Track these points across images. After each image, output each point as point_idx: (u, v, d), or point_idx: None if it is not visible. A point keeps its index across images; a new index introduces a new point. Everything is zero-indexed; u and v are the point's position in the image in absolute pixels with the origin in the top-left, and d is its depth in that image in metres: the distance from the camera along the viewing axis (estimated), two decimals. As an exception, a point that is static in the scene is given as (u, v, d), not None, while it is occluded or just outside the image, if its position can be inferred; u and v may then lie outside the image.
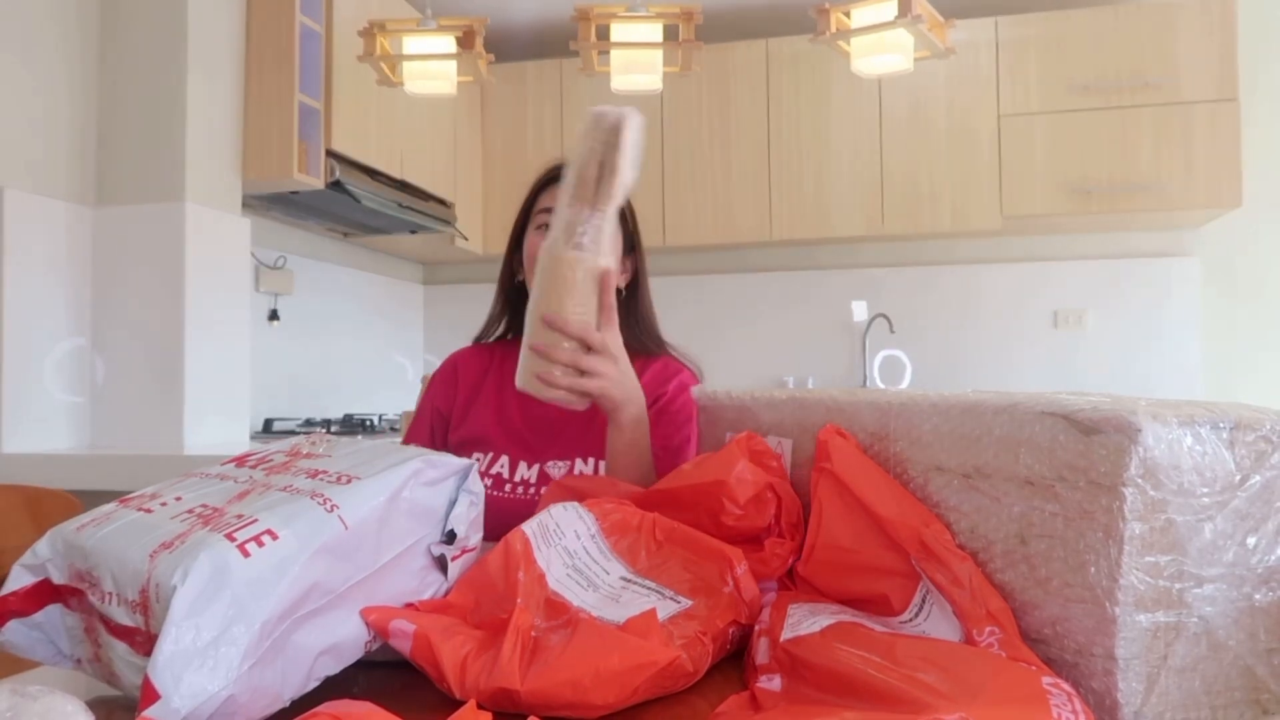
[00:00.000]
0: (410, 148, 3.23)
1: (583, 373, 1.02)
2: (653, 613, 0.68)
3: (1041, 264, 3.72)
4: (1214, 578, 0.59)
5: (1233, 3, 3.23)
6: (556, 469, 1.30)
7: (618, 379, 1.06)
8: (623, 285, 1.38)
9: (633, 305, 1.39)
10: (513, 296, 1.43)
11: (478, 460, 1.30)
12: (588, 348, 1.02)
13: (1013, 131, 3.40)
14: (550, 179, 1.40)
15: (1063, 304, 3.70)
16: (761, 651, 0.68)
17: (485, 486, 1.27)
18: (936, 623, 0.66)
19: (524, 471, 1.30)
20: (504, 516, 0.89)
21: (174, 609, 0.57)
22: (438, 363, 1.48)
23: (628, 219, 1.37)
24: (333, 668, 0.66)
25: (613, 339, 1.04)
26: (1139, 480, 0.57)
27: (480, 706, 0.59)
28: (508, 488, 1.28)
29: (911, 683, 0.54)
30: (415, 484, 0.71)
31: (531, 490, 1.26)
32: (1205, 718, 0.59)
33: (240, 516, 0.64)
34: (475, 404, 1.38)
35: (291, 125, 2.54)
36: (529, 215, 1.39)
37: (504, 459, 1.31)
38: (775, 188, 3.59)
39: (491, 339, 1.46)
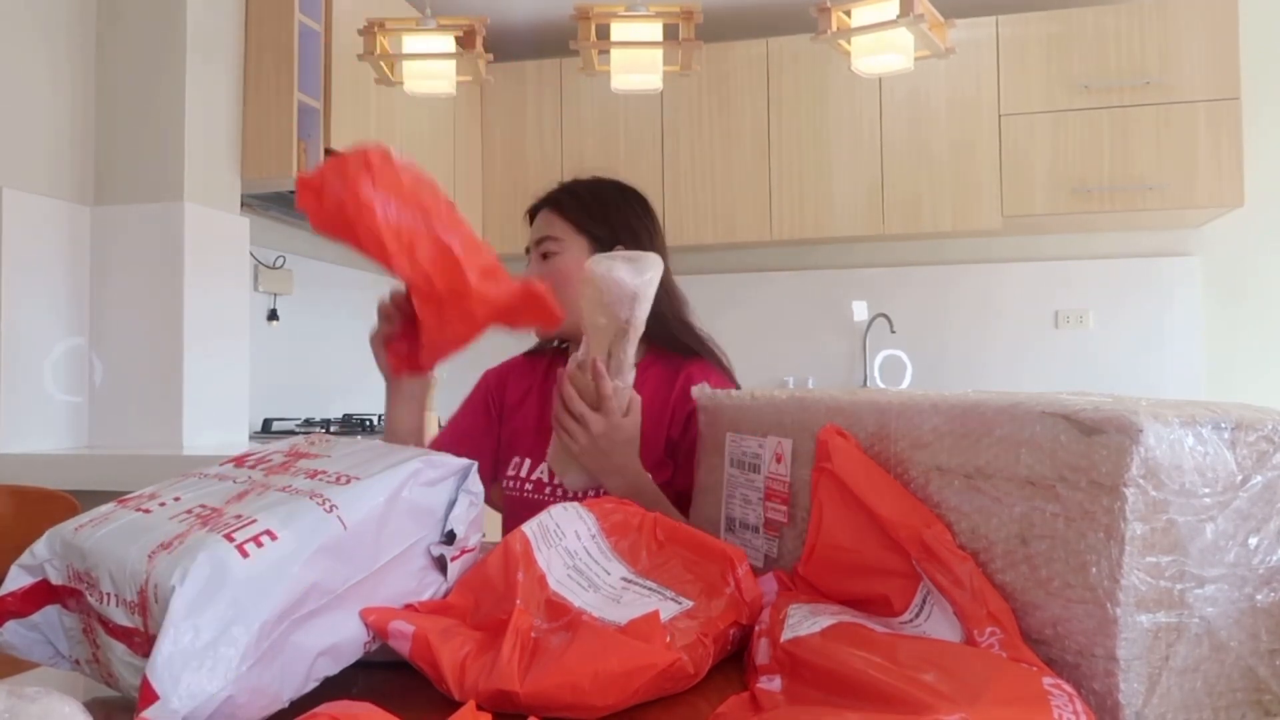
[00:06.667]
0: (410, 147, 3.23)
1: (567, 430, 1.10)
2: (655, 615, 0.68)
3: (1042, 264, 3.72)
4: (1215, 578, 0.59)
5: (1234, 1, 3.23)
6: None
7: (590, 450, 1.11)
8: None
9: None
10: None
11: (516, 465, 1.36)
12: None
13: (1013, 131, 3.39)
14: (537, 206, 1.42)
15: (1064, 304, 3.69)
16: (762, 652, 0.67)
17: (526, 491, 1.33)
18: (937, 623, 0.66)
19: None
20: None
21: (173, 609, 0.57)
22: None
23: (593, 226, 1.37)
24: (332, 668, 0.66)
25: (595, 419, 1.09)
26: (1140, 480, 0.57)
27: (480, 707, 0.58)
28: (547, 490, 1.32)
29: (912, 683, 0.54)
30: (414, 484, 0.71)
31: (571, 493, 1.28)
32: (1207, 719, 0.59)
33: (239, 517, 0.64)
34: (520, 411, 1.43)
35: (291, 124, 2.53)
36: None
37: (543, 465, 1.34)
38: (775, 188, 3.59)
39: (535, 351, 1.50)
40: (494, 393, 1.47)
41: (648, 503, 1.14)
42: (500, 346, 1.25)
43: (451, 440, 1.43)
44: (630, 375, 1.12)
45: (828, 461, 0.76)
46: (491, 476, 1.40)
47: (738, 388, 1.37)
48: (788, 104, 3.58)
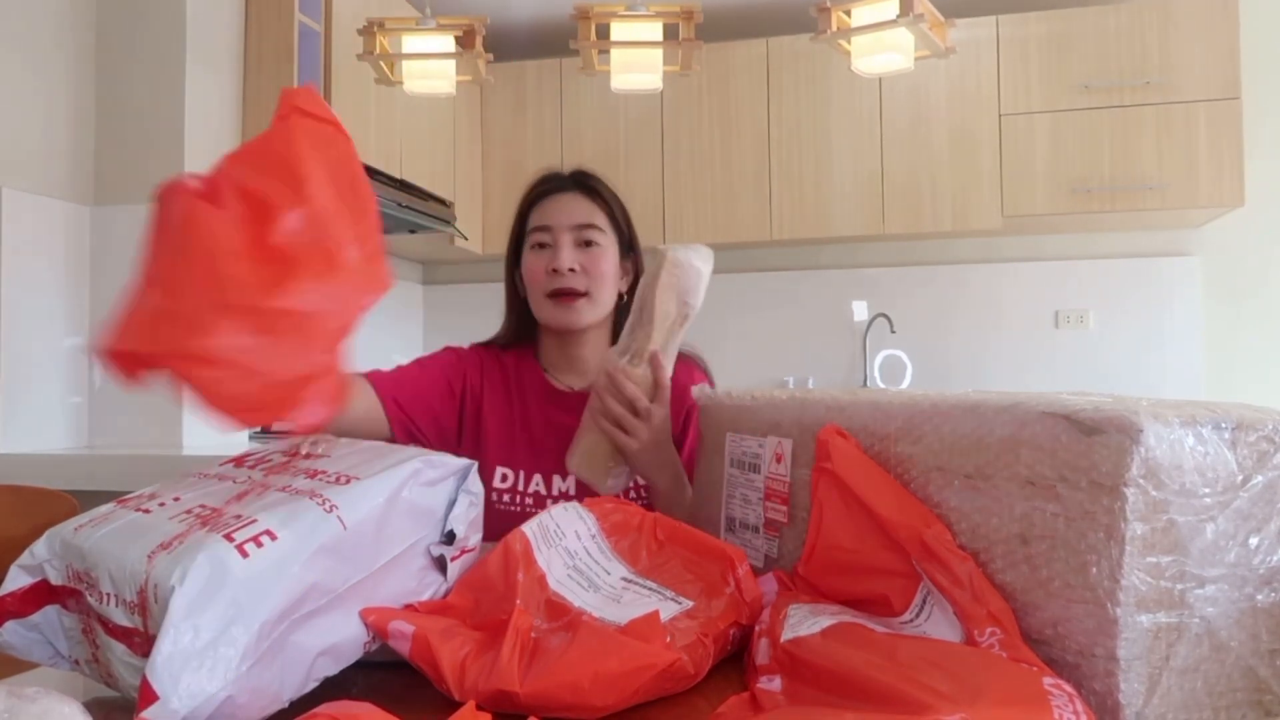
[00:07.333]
0: (409, 147, 3.23)
1: (625, 430, 1.11)
2: (655, 615, 0.67)
3: (1043, 264, 3.72)
4: (1216, 578, 0.59)
5: (1234, 1, 3.23)
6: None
7: (649, 446, 1.11)
8: (624, 288, 1.38)
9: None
10: (521, 311, 1.39)
11: (506, 478, 1.31)
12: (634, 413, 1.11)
13: (1013, 131, 3.39)
14: (539, 194, 1.37)
15: (1064, 304, 3.69)
16: (762, 652, 0.67)
17: (528, 507, 1.28)
18: (937, 623, 0.66)
19: (560, 484, 1.30)
20: None
21: (172, 610, 0.57)
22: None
23: (623, 223, 1.36)
24: (332, 668, 0.66)
25: (658, 411, 1.11)
26: (1141, 480, 0.57)
27: (480, 707, 0.58)
28: (549, 502, 1.25)
29: (912, 684, 0.54)
30: (414, 484, 0.71)
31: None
32: (1207, 719, 0.59)
33: (239, 517, 0.64)
34: (496, 413, 1.34)
35: (291, 125, 2.53)
36: (523, 232, 1.37)
37: (537, 477, 1.30)
38: (775, 188, 3.59)
39: (491, 344, 1.43)
40: (467, 376, 1.36)
41: (686, 495, 1.15)
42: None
43: (404, 395, 1.28)
44: (671, 367, 1.12)
45: (828, 461, 0.76)
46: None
47: (712, 384, 1.37)
48: (788, 104, 3.58)
